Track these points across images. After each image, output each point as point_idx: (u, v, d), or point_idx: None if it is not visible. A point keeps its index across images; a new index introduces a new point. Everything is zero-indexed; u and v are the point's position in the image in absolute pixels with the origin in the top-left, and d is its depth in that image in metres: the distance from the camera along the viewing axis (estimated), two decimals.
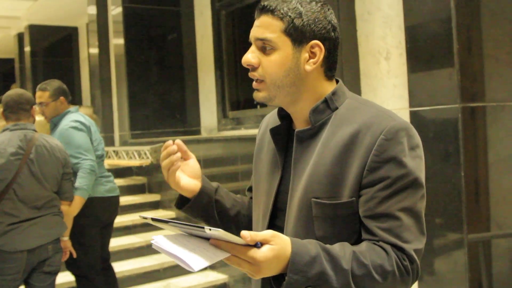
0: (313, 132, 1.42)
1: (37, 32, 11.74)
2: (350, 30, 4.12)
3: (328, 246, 1.28)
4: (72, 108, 4.22)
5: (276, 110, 1.57)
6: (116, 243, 5.68)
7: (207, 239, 1.19)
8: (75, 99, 11.88)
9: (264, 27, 1.39)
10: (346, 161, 1.35)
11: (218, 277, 5.38)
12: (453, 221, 3.36)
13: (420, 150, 1.40)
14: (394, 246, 1.30)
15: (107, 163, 7.01)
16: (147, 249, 5.72)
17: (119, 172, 6.99)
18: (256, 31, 1.41)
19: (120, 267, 5.17)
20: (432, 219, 3.49)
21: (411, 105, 3.62)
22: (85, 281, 4.14)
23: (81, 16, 10.62)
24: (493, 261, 3.52)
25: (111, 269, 4.41)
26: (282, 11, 1.38)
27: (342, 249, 1.27)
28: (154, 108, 7.64)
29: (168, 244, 1.17)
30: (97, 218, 4.17)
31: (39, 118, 4.17)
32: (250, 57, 1.41)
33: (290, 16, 1.37)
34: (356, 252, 1.27)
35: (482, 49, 3.55)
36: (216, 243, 1.17)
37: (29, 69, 11.87)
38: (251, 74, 1.44)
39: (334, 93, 1.44)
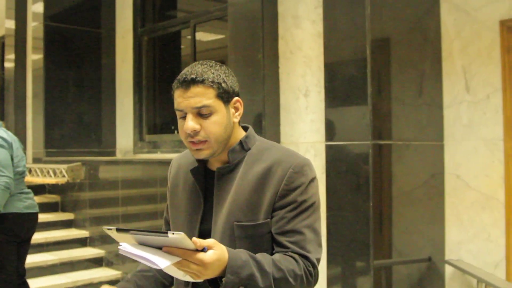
0: (231, 168, 1.70)
1: None
2: (273, 67, 4.42)
3: (253, 254, 1.55)
4: None
5: (185, 154, 1.85)
6: (29, 260, 5.61)
7: (160, 248, 1.39)
8: None
9: (200, 96, 1.60)
10: (262, 190, 1.64)
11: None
12: (361, 247, 3.69)
13: (317, 181, 1.72)
14: (300, 255, 1.61)
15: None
16: (60, 267, 5.71)
17: (32, 189, 6.86)
18: (192, 102, 1.61)
19: (33, 284, 5.13)
20: (342, 246, 3.81)
21: (327, 139, 3.95)
22: None
23: None
24: (393, 285, 3.88)
25: (26, 285, 4.41)
26: (210, 80, 1.61)
27: (263, 257, 1.56)
28: (70, 127, 7.61)
29: (133, 249, 1.38)
30: (14, 234, 4.17)
31: None
32: (193, 124, 1.61)
33: (218, 83, 1.62)
34: (274, 259, 1.57)
35: (391, 93, 3.95)
36: (169, 250, 1.39)
37: None
38: (194, 139, 1.63)
39: (247, 137, 1.74)
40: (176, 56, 7.63)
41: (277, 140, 4.41)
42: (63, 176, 6.53)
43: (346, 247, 3.78)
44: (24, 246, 4.34)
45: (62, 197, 6.86)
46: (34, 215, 4.35)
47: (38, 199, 6.64)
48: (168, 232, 1.33)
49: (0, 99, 11.35)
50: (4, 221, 3.97)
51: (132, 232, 1.38)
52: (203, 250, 1.40)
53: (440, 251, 4.18)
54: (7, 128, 8.15)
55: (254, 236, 1.64)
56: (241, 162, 1.70)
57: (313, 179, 1.68)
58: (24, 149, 8.03)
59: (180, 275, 1.46)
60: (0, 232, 3.98)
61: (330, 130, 3.94)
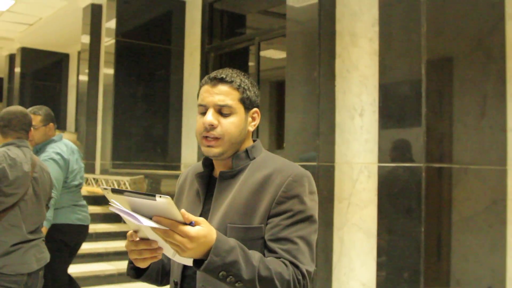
0: (233, 174, 1.72)
1: (29, 55, 11.94)
2: (329, 86, 4.36)
3: (242, 245, 1.52)
4: (56, 136, 4.32)
5: (195, 165, 1.89)
6: (87, 268, 5.77)
7: (150, 218, 1.40)
8: (60, 124, 12.00)
9: (225, 95, 1.67)
10: (260, 195, 1.65)
11: None
12: (411, 274, 3.54)
13: (316, 196, 1.70)
14: (291, 263, 1.58)
15: (87, 189, 7.12)
16: (118, 277, 5.80)
17: (97, 199, 7.10)
18: (216, 99, 1.68)
19: None
20: (393, 271, 3.67)
21: (379, 161, 3.83)
22: None
23: (73, 44, 10.86)
24: None
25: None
26: (238, 83, 1.69)
27: (253, 252, 1.54)
28: (137, 140, 7.80)
29: (122, 207, 1.40)
30: (65, 244, 4.27)
31: None
32: (212, 118, 1.66)
33: (243, 88, 1.70)
34: (263, 258, 1.55)
35: (452, 114, 3.79)
36: (158, 219, 1.39)
37: (17, 90, 12.00)
38: (209, 133, 1.67)
39: (253, 147, 1.77)
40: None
41: (332, 159, 4.33)
42: (126, 188, 6.67)
43: (397, 273, 3.64)
44: (71, 257, 4.44)
45: None
46: (86, 228, 4.43)
47: (102, 209, 6.84)
48: (156, 195, 1.34)
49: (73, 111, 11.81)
50: (56, 232, 4.06)
51: (126, 193, 1.40)
52: (191, 224, 1.40)
53: (501, 281, 3.95)
54: (79, 139, 8.49)
55: (246, 240, 1.61)
56: (244, 170, 1.72)
57: (312, 193, 1.68)
58: (93, 160, 8.31)
59: (170, 253, 1.48)
60: (52, 241, 4.07)
61: (383, 151, 3.83)
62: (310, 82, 4.36)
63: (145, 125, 7.86)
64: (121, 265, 6.08)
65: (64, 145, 4.27)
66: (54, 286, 4.17)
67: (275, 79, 8.09)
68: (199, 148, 7.64)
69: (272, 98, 8.13)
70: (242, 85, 1.69)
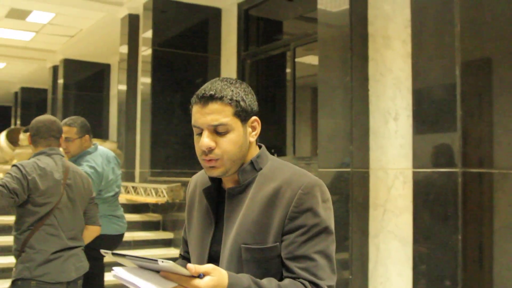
0: (242, 189, 1.64)
1: (71, 66, 12.17)
2: (362, 90, 4.26)
3: (257, 279, 1.49)
4: (92, 147, 4.29)
5: (203, 173, 1.79)
6: None
7: (158, 272, 1.38)
8: (103, 134, 12.18)
9: (217, 113, 1.57)
10: (271, 212, 1.57)
11: None
12: (448, 284, 3.40)
13: (330, 203, 1.62)
14: (311, 282, 1.52)
15: (126, 197, 7.18)
16: None
17: (136, 207, 7.15)
18: (209, 119, 1.57)
19: None
20: (429, 280, 3.54)
21: (414, 166, 3.71)
22: None
23: (114, 54, 10.99)
24: None
25: None
26: (229, 97, 1.57)
27: (269, 283, 1.49)
28: (175, 148, 7.82)
29: (127, 274, 1.37)
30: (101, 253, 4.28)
31: None
32: (209, 141, 1.58)
33: (236, 101, 1.59)
34: (281, 285, 1.50)
35: (491, 116, 3.64)
36: (165, 275, 1.36)
37: (61, 101, 12.23)
38: (208, 157, 1.59)
39: (258, 156, 1.68)
40: (278, 79, 7.62)
41: (366, 165, 4.23)
42: (164, 196, 6.69)
43: (434, 283, 3.50)
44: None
45: (164, 216, 7.03)
46: (121, 237, 4.45)
47: (141, 217, 6.88)
48: (158, 259, 1.31)
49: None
50: (93, 242, 4.08)
51: (127, 257, 1.38)
52: (199, 276, 1.37)
53: None
54: (120, 147, 8.57)
55: (262, 260, 1.57)
56: (252, 183, 1.64)
57: (325, 201, 1.60)
58: (133, 169, 8.38)
59: None
60: (93, 249, 4.10)
61: (418, 156, 3.71)
62: (342, 86, 4.27)
63: (182, 134, 7.87)
64: None
65: (99, 155, 4.24)
66: None
67: (311, 85, 8.01)
68: None
69: (309, 104, 8.04)
70: (234, 98, 1.59)
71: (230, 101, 1.58)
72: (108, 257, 1.43)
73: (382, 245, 4.10)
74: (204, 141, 1.58)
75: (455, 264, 3.37)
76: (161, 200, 6.72)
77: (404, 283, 3.89)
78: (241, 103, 1.60)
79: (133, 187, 7.50)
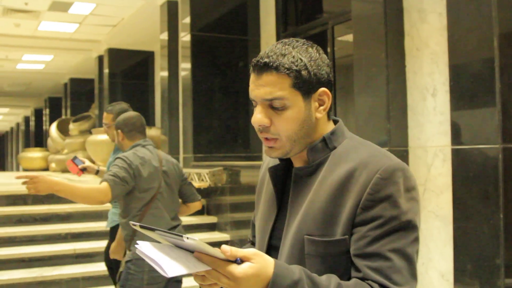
0: (311, 170, 1.41)
1: (116, 55, 12.34)
2: (398, 66, 4.13)
3: (313, 274, 1.25)
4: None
5: None
6: None
7: (192, 252, 1.19)
8: (149, 121, 12.33)
9: (271, 86, 1.34)
10: (341, 199, 1.33)
11: None
12: (490, 264, 3.29)
13: (416, 193, 1.35)
14: (382, 286, 1.25)
15: None
16: None
17: None
18: (262, 92, 1.35)
19: None
20: (470, 261, 3.43)
21: (453, 143, 3.59)
22: None
23: (156, 42, 11.07)
24: None
25: None
26: (286, 66, 1.34)
27: (328, 280, 1.25)
28: (217, 133, 7.84)
29: (151, 250, 1.19)
30: None
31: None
32: (261, 117, 1.37)
33: (296, 71, 1.34)
34: (342, 284, 1.25)
35: None
36: (199, 256, 1.16)
37: (107, 90, 12.44)
38: (263, 135, 1.40)
39: (332, 133, 1.43)
40: None
41: (405, 144, 4.12)
42: (206, 180, 6.72)
43: (474, 263, 3.39)
44: None
45: (208, 201, 7.07)
46: None
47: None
48: (184, 235, 1.13)
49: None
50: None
51: (157, 231, 1.21)
52: (236, 261, 1.17)
53: None
54: (164, 133, 8.64)
55: (328, 256, 1.33)
56: (324, 163, 1.39)
57: (409, 190, 1.32)
58: (177, 154, 8.44)
59: None
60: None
61: (456, 133, 3.58)
62: (377, 63, 4.15)
63: (224, 117, 7.88)
64: None
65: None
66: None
67: (351, 63, 7.84)
68: None
69: (349, 82, 7.91)
70: (294, 67, 1.33)
71: (287, 71, 1.34)
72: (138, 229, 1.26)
73: (423, 225, 3.99)
74: (257, 117, 1.37)
75: (497, 243, 3.24)
76: (204, 184, 6.75)
77: (446, 263, 3.79)
78: (303, 72, 1.35)
79: None
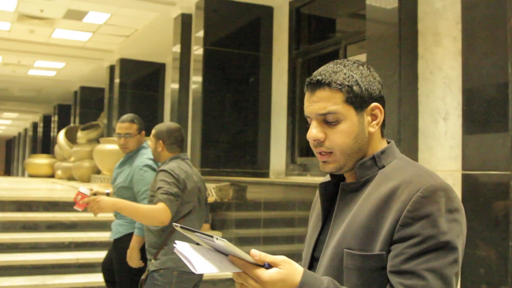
0: (357, 186, 1.44)
1: (127, 65, 12.40)
2: (411, 89, 4.12)
3: (340, 285, 1.28)
4: (145, 143, 4.38)
5: None
6: None
7: (227, 255, 1.25)
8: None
9: (325, 101, 1.40)
10: (382, 215, 1.34)
11: None
12: None
13: (460, 215, 1.34)
14: None
15: None
16: (203, 284, 5.81)
17: None
18: (316, 107, 1.42)
19: None
20: (478, 287, 3.39)
21: (463, 168, 3.56)
22: None
23: (168, 54, 11.13)
24: None
25: None
26: (338, 82, 1.40)
27: None
28: (226, 147, 7.83)
29: (188, 250, 1.25)
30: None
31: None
32: (316, 132, 1.42)
33: (348, 86, 1.40)
34: None
35: None
36: (232, 259, 1.22)
37: (117, 100, 12.48)
38: (317, 149, 1.44)
39: (383, 152, 1.45)
40: None
41: None
42: (212, 195, 6.70)
43: None
44: None
45: (213, 215, 7.05)
46: None
47: None
48: (214, 236, 1.20)
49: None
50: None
51: (196, 234, 1.27)
52: (264, 266, 1.23)
53: None
54: None
55: (365, 270, 1.34)
56: (370, 181, 1.42)
57: (451, 211, 1.31)
58: None
59: None
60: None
61: (467, 158, 3.55)
62: (391, 85, 4.14)
63: (233, 132, 7.88)
64: (207, 273, 6.08)
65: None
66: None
67: None
68: (287, 155, 7.58)
69: None
70: (346, 83, 1.40)
71: (340, 86, 1.40)
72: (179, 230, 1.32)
73: None
74: (312, 132, 1.43)
75: (505, 271, 3.21)
76: (210, 199, 6.72)
77: None
78: (354, 87, 1.41)
79: None
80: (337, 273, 1.38)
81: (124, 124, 4.18)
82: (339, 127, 1.40)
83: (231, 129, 7.88)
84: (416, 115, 4.12)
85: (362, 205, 1.39)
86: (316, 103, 1.41)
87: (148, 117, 12.35)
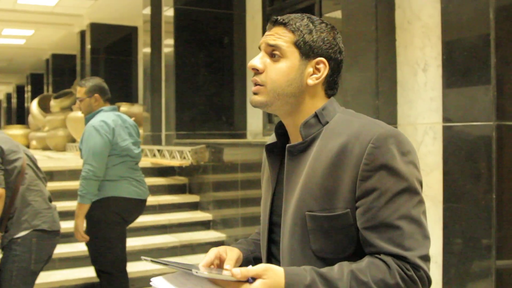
0: (304, 146, 1.44)
1: (98, 30, 12.04)
2: (388, 40, 3.97)
3: (324, 270, 1.29)
4: (108, 107, 4.24)
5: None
6: (150, 241, 5.73)
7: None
8: (132, 97, 12.09)
9: (277, 36, 1.47)
10: (338, 173, 1.36)
11: None
12: (481, 246, 3.16)
13: (412, 156, 1.38)
14: (395, 256, 1.29)
15: (151, 161, 7.07)
16: (181, 249, 5.76)
17: (162, 171, 7.04)
18: (268, 38, 1.48)
19: (152, 266, 5.18)
20: (460, 243, 3.31)
21: (444, 120, 3.44)
22: (108, 276, 4.16)
23: (140, 16, 10.82)
24: None
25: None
26: (294, 25, 1.46)
27: (339, 271, 1.28)
28: (201, 110, 7.65)
29: (165, 284, 1.26)
30: (122, 218, 4.19)
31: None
32: (258, 62, 1.48)
33: (301, 31, 1.46)
34: (355, 270, 1.28)
35: None
36: (214, 280, 1.25)
37: (89, 66, 12.16)
38: (253, 79, 1.48)
39: (324, 108, 1.47)
40: None
41: (394, 121, 3.96)
42: (188, 158, 6.54)
43: (465, 245, 3.27)
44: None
45: (190, 179, 6.91)
46: (143, 202, 4.33)
47: (166, 180, 6.78)
48: (193, 268, 1.22)
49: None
50: (114, 204, 4.04)
51: (169, 264, 1.29)
52: (248, 281, 1.24)
53: None
54: (146, 110, 8.44)
55: (331, 230, 1.36)
56: (316, 139, 1.43)
57: (404, 154, 1.35)
58: (160, 132, 8.26)
59: None
60: (111, 213, 4.05)
61: (448, 110, 3.43)
62: (366, 37, 3.98)
63: (208, 94, 7.68)
64: (184, 237, 5.99)
65: (117, 115, 4.22)
66: (108, 259, 4.13)
67: None
68: (264, 115, 7.41)
69: None
70: (301, 28, 1.46)
71: (293, 28, 1.47)
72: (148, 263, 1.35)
73: None
74: (254, 60, 1.49)
75: (489, 225, 3.12)
76: (186, 162, 6.58)
77: (435, 245, 3.66)
78: (306, 36, 1.46)
79: (158, 150, 7.38)
80: (302, 237, 1.41)
81: (77, 88, 4.22)
82: (279, 64, 1.45)
83: (206, 91, 7.69)
84: (394, 67, 3.97)
85: (313, 165, 1.40)
86: (270, 35, 1.48)
87: (122, 82, 12.08)
